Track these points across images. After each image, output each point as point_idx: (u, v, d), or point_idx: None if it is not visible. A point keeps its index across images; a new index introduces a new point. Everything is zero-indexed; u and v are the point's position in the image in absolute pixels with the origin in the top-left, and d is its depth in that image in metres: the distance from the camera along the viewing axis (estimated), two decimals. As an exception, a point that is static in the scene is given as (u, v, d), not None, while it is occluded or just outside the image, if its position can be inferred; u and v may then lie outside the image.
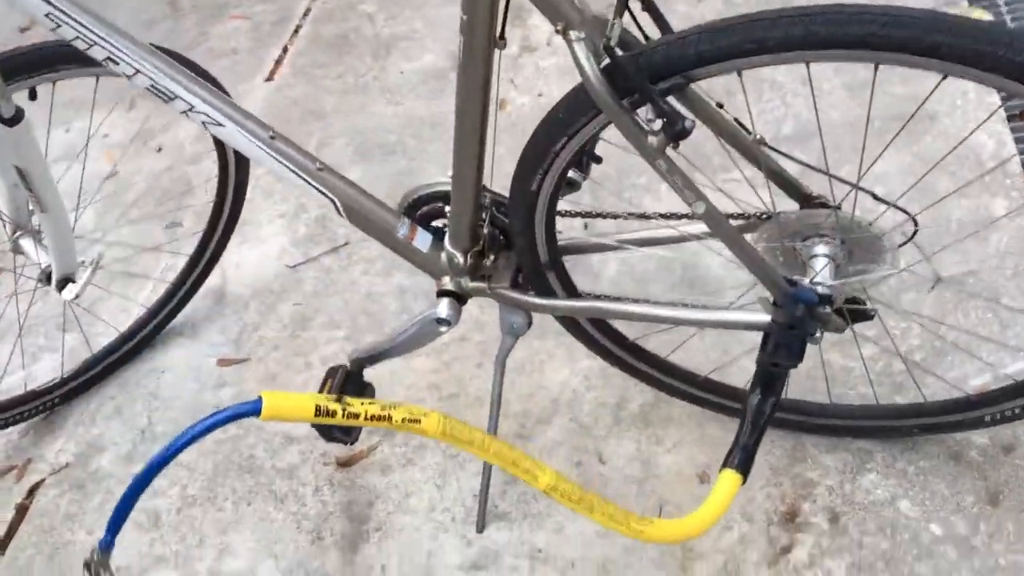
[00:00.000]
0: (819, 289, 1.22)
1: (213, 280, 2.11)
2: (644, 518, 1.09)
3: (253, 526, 1.66)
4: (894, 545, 1.41)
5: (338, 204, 1.39)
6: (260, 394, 0.89)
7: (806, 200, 1.27)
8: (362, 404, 0.96)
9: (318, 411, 0.94)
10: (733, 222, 1.29)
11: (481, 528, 1.57)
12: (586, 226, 2.01)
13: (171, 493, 1.74)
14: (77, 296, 1.65)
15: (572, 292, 1.44)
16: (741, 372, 1.64)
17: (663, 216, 1.35)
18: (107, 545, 0.85)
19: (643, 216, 1.36)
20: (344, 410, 0.95)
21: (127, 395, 1.95)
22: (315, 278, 2.11)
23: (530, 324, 1.46)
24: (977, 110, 2.06)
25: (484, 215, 1.39)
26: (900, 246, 1.29)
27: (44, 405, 1.91)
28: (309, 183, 1.38)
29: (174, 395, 1.92)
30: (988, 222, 1.82)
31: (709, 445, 1.60)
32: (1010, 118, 2.04)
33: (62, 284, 1.65)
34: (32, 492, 1.80)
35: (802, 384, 1.61)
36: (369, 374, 1.50)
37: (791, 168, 1.30)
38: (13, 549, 1.72)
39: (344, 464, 1.72)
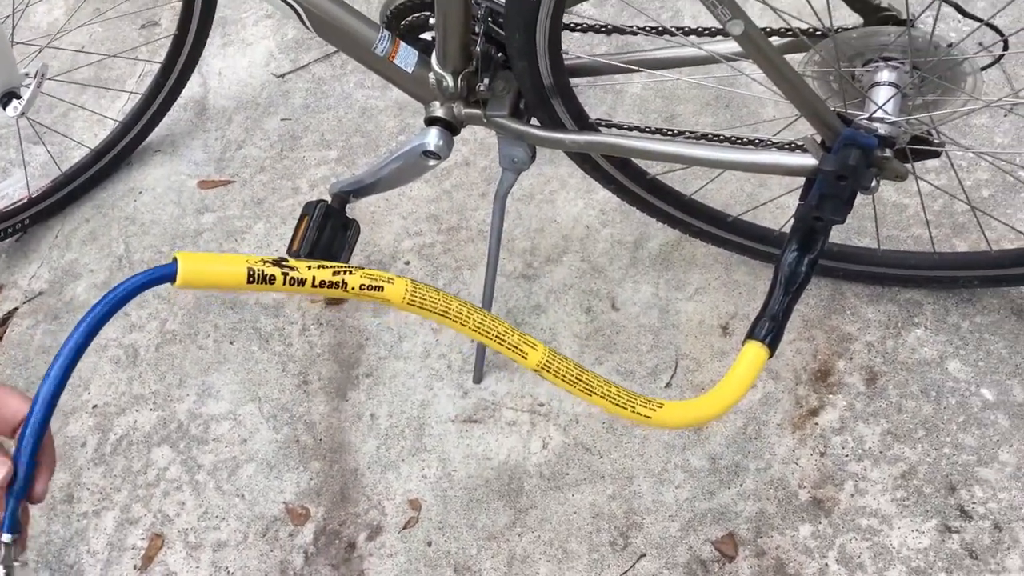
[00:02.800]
0: (880, 128, 1.00)
1: (192, 90, 1.90)
2: (652, 400, 0.93)
3: (236, 366, 1.54)
4: (937, 411, 1.26)
5: (302, 13, 1.16)
6: (175, 255, 0.71)
7: (872, 13, 1.02)
8: (308, 268, 0.78)
9: (251, 276, 0.76)
10: (777, 41, 1.04)
11: (479, 378, 1.44)
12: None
13: (150, 328, 1.62)
14: (23, 113, 1.46)
15: (582, 122, 1.23)
16: (781, 211, 1.44)
17: (689, 32, 1.11)
18: (10, 523, 0.66)
19: (665, 31, 1.12)
20: (285, 275, 0.77)
21: (102, 218, 1.80)
22: (305, 90, 1.89)
23: (534, 157, 1.26)
24: None
25: (478, 28, 1.15)
26: (983, 69, 1.05)
27: (14, 227, 1.76)
28: (266, -15, 1.14)
29: (152, 219, 1.76)
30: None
31: (736, 292, 1.43)
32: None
33: (5, 100, 1.45)
34: (5, 321, 1.69)
35: (847, 224, 1.41)
36: (361, 205, 1.33)
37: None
38: (-8, 382, 1.64)
39: (333, 303, 1.57)
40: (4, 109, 1.45)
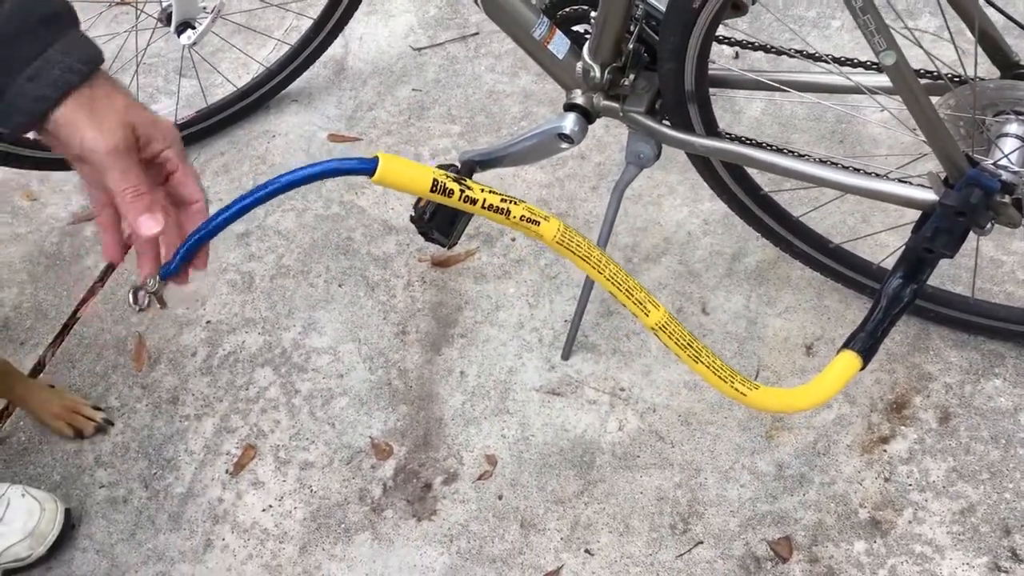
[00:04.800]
0: (1003, 174, 1.06)
1: (335, 50, 2.02)
2: (750, 380, 1.00)
3: (342, 308, 1.65)
4: (1005, 458, 1.31)
5: (475, -12, 1.26)
6: (376, 154, 0.80)
7: (1011, 69, 1.08)
8: (483, 190, 0.87)
9: (435, 186, 0.85)
10: (920, 80, 1.11)
11: (567, 355, 1.52)
12: (737, 55, 1.83)
13: (267, 260, 1.73)
14: (195, 43, 1.58)
15: (712, 129, 1.30)
16: (878, 247, 1.50)
17: (836, 60, 1.18)
18: (168, 272, 0.77)
19: (814, 57, 1.19)
20: (462, 192, 0.86)
21: (236, 153, 1.92)
22: (438, 65, 2.00)
23: (658, 156, 1.34)
24: None
25: (633, 27, 1.24)
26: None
27: (155, 150, 1.89)
28: (448, -41, 1.24)
29: (282, 162, 1.88)
30: None
31: (825, 317, 1.49)
32: None
33: (181, 28, 1.58)
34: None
35: (943, 270, 1.47)
36: (477, 179, 1.42)
37: (1001, 25, 1.10)
38: (112, 283, 1.76)
39: (439, 264, 1.67)
40: (179, 36, 1.58)
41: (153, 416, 1.56)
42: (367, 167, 0.80)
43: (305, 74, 1.97)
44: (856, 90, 1.16)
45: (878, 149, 1.65)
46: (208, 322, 1.67)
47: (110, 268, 1.79)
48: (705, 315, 1.54)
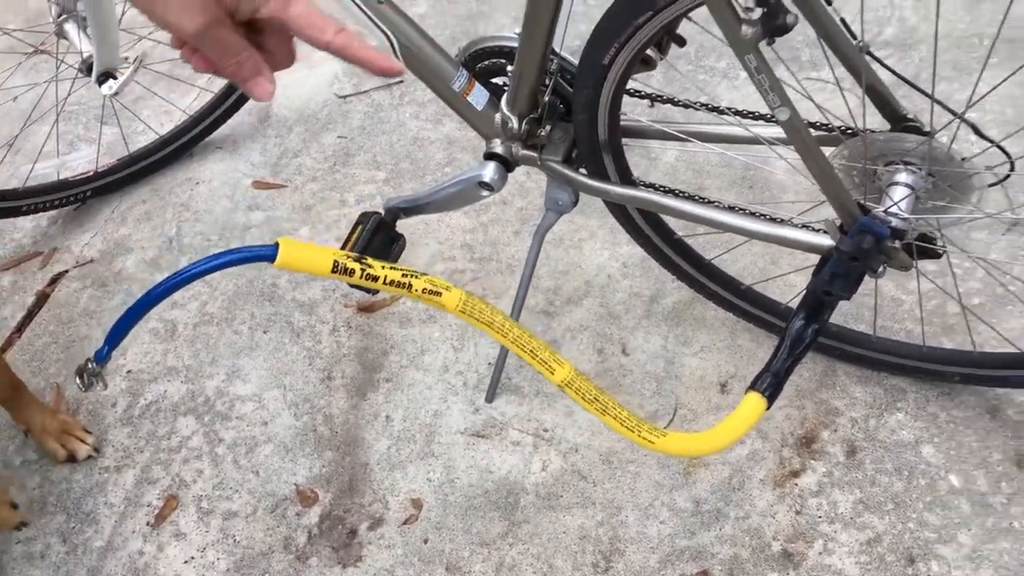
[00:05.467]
0: (893, 221, 1.13)
1: (259, 97, 2.03)
2: (657, 428, 1.05)
3: (267, 354, 1.65)
4: (908, 488, 1.37)
5: (396, 44, 1.29)
6: (277, 240, 0.83)
7: (899, 121, 1.16)
8: (383, 267, 0.90)
9: (335, 267, 0.88)
10: (814, 132, 1.18)
11: (491, 398, 1.54)
12: (652, 104, 1.90)
13: (190, 307, 1.73)
14: (116, 93, 1.59)
15: (626, 177, 1.36)
16: (788, 288, 1.57)
17: (737, 113, 1.25)
18: (103, 356, 0.82)
19: (716, 110, 1.26)
20: (363, 271, 0.89)
21: (159, 201, 1.92)
22: (364, 113, 2.03)
23: (575, 203, 1.38)
24: (1101, 45, 1.88)
25: (548, 81, 1.29)
26: (989, 186, 1.19)
27: (76, 196, 1.88)
28: (368, 15, 1.28)
29: (206, 209, 1.89)
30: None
31: (738, 355, 1.55)
32: None
33: (102, 78, 1.58)
34: (55, 281, 1.80)
35: (847, 309, 1.54)
36: (402, 225, 1.45)
37: (890, 82, 1.18)
38: (31, 333, 1.74)
39: (365, 309, 1.69)
40: (100, 86, 1.58)
41: (72, 469, 1.54)
42: (268, 253, 0.83)
43: (229, 121, 1.98)
44: (756, 141, 1.22)
45: (785, 194, 1.73)
46: (129, 372, 1.65)
47: (28, 318, 1.76)
48: (625, 356, 1.58)
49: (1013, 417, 1.41)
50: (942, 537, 1.31)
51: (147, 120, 2.04)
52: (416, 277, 0.93)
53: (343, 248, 1.46)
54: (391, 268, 0.92)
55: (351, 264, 0.89)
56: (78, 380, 0.81)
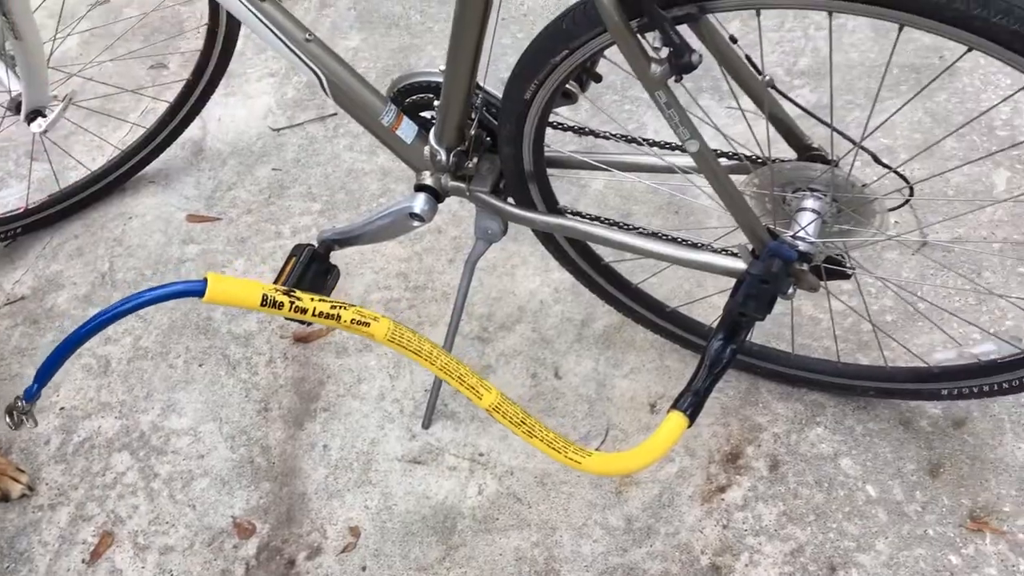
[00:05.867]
0: (800, 246, 1.19)
1: (193, 131, 2.05)
2: (583, 449, 1.09)
3: (202, 388, 1.65)
4: (828, 499, 1.43)
5: (324, 80, 1.33)
6: (205, 275, 0.86)
7: (804, 151, 1.22)
8: (311, 300, 0.93)
9: (264, 301, 0.91)
10: (725, 162, 1.24)
11: (427, 424, 1.57)
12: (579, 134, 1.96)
13: (124, 342, 1.73)
14: (45, 131, 1.59)
15: (552, 206, 1.40)
16: (711, 309, 1.63)
17: (655, 144, 1.30)
18: (32, 394, 0.84)
19: (633, 140, 1.31)
20: (292, 304, 0.92)
21: (91, 236, 1.91)
22: (298, 145, 2.05)
23: (505, 232, 1.43)
24: (999, 74, 1.99)
25: (474, 115, 1.33)
26: (891, 210, 1.26)
27: (6, 233, 1.87)
28: (296, 54, 1.31)
29: (139, 244, 1.89)
30: (987, 201, 1.78)
31: (666, 376, 1.60)
32: (1031, 86, 1.97)
33: (31, 116, 1.59)
34: (-15, 320, 1.79)
35: (768, 329, 1.60)
36: (337, 256, 1.47)
37: (796, 114, 1.25)
38: (-39, 375, 1.72)
39: (301, 340, 1.71)
40: (29, 124, 1.58)
41: (5, 508, 1.52)
42: (196, 289, 0.86)
43: (162, 155, 1.99)
44: (672, 170, 1.28)
45: (709, 219, 1.79)
46: (62, 408, 1.64)
47: (-43, 357, 1.74)
48: (558, 379, 1.62)
49: (925, 428, 1.48)
50: (861, 546, 1.37)
51: (78, 156, 2.04)
52: (345, 308, 0.96)
53: (277, 281, 1.48)
54: (320, 300, 0.94)
55: (280, 297, 0.92)
56: (8, 419, 0.83)
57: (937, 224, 1.73)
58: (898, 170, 1.18)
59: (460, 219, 1.87)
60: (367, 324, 0.96)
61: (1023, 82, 1.96)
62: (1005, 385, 1.32)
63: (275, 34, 1.29)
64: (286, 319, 1.40)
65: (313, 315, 0.94)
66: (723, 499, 1.45)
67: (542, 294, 1.74)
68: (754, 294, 1.18)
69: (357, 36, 2.28)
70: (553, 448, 1.07)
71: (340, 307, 0.95)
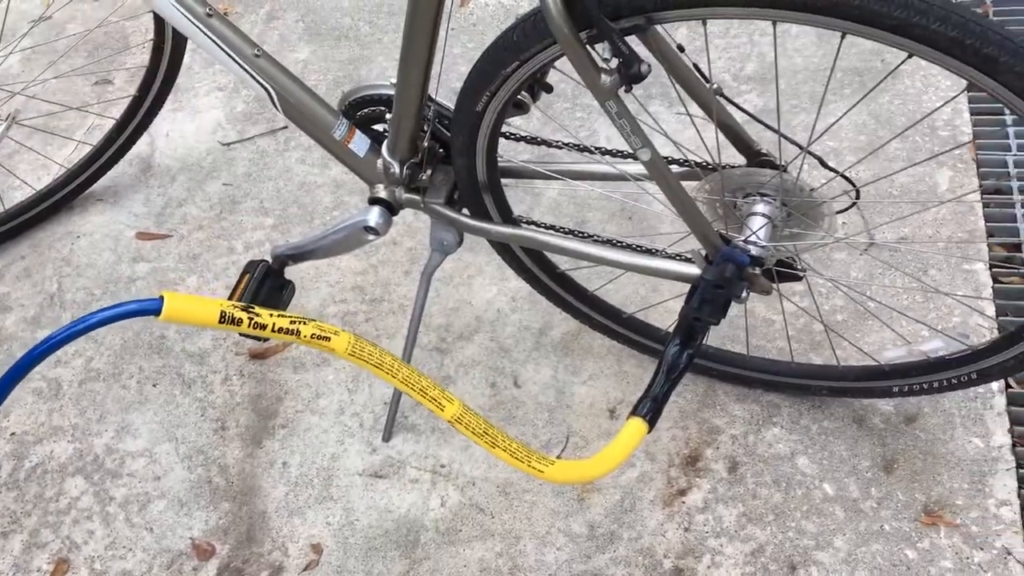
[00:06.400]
0: (752, 250, 1.21)
1: (141, 147, 2.02)
2: (545, 457, 1.09)
3: (157, 408, 1.63)
4: (786, 499, 1.45)
5: (274, 95, 1.32)
6: (161, 293, 0.85)
7: (753, 156, 1.24)
8: (270, 315, 0.93)
9: (223, 318, 0.90)
10: (676, 169, 1.26)
11: (388, 437, 1.57)
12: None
13: (75, 364, 1.70)
14: (-12, 151, 1.55)
15: (507, 216, 1.41)
16: (668, 314, 1.64)
17: (605, 152, 1.31)
18: None
19: (585, 149, 1.32)
20: (251, 320, 0.91)
21: (38, 257, 1.88)
22: (248, 159, 2.03)
23: (460, 243, 1.43)
24: (939, 76, 2.04)
25: (426, 126, 1.33)
26: (839, 212, 1.28)
27: (-51, 257, 1.83)
28: (244, 69, 1.30)
29: (88, 263, 1.86)
30: (932, 203, 1.82)
31: (625, 381, 1.61)
32: (969, 86, 2.02)
33: (-27, 136, 1.55)
34: (-71, 346, 1.74)
35: (723, 331, 1.62)
36: (292, 271, 1.46)
37: (744, 120, 1.27)
38: (-95, 403, 1.67)
39: (257, 356, 1.69)
40: (-30, 144, 1.55)
41: (-47, 539, 1.48)
42: (153, 307, 0.85)
43: (110, 173, 1.96)
44: (624, 178, 1.29)
45: (662, 225, 1.81)
46: (12, 434, 1.61)
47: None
48: (517, 388, 1.62)
49: (878, 425, 1.51)
50: (819, 544, 1.39)
51: (23, 175, 2.00)
52: (304, 323, 0.96)
53: (231, 298, 1.46)
54: (279, 316, 0.94)
55: (238, 314, 0.91)
56: None
57: (884, 225, 1.77)
58: (844, 174, 1.21)
59: (415, 230, 1.86)
60: (327, 338, 0.96)
61: (962, 84, 2.02)
62: (954, 381, 1.36)
63: (223, 49, 1.28)
64: (243, 336, 1.39)
65: (272, 331, 0.93)
66: (684, 502, 1.46)
67: (499, 303, 1.74)
68: (709, 299, 1.19)
69: (306, 48, 2.26)
70: (516, 458, 1.07)
71: (299, 322, 0.94)
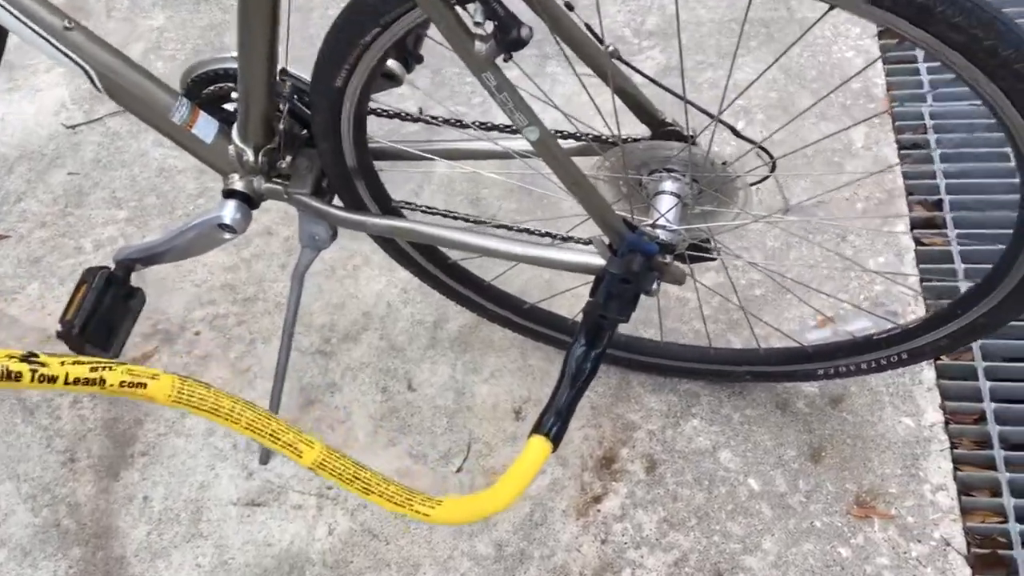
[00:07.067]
0: (661, 235, 1.06)
1: (-32, 135, 1.76)
2: (431, 498, 0.93)
3: (-4, 441, 1.41)
4: (709, 499, 1.32)
5: (93, 75, 1.10)
6: None
7: (658, 127, 1.09)
8: (61, 364, 0.73)
9: None
10: (572, 143, 1.10)
11: (266, 459, 1.38)
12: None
13: None
14: None
15: (385, 205, 1.23)
16: (576, 300, 1.49)
17: (490, 128, 1.14)
18: None
19: (464, 125, 1.15)
20: (34, 373, 0.72)
21: None
22: (98, 144, 1.79)
23: (335, 236, 1.25)
24: (848, 24, 1.91)
25: (282, 105, 1.14)
26: (753, 184, 1.14)
27: None
28: (53, 45, 1.08)
29: (-91, 273, 1.61)
30: (854, 174, 1.71)
31: (531, 377, 1.46)
32: (879, 34, 1.91)
33: None
34: None
35: (636, 314, 1.45)
36: (151, 270, 1.27)
37: (645, 85, 1.11)
38: None
39: (113, 373, 1.48)
40: None
41: None
42: None
43: (-68, 166, 1.70)
44: (509, 156, 1.12)
45: (565, 200, 1.65)
46: None
47: None
48: (412, 391, 1.46)
49: (803, 410, 1.40)
50: (747, 547, 1.27)
51: None
52: (110, 369, 0.76)
53: (65, 315, 1.25)
54: (74, 363, 0.74)
55: (15, 367, 0.71)
56: None
57: (796, 180, 1.65)
58: (761, 144, 1.07)
59: (292, 218, 1.66)
60: (143, 385, 0.77)
61: (874, 33, 1.90)
62: (883, 362, 1.25)
63: (23, 22, 1.06)
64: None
65: (67, 383, 0.74)
66: (599, 510, 1.32)
67: (389, 296, 1.57)
68: (615, 294, 1.04)
69: (161, 14, 2.01)
70: (395, 503, 0.91)
71: (104, 368, 0.75)
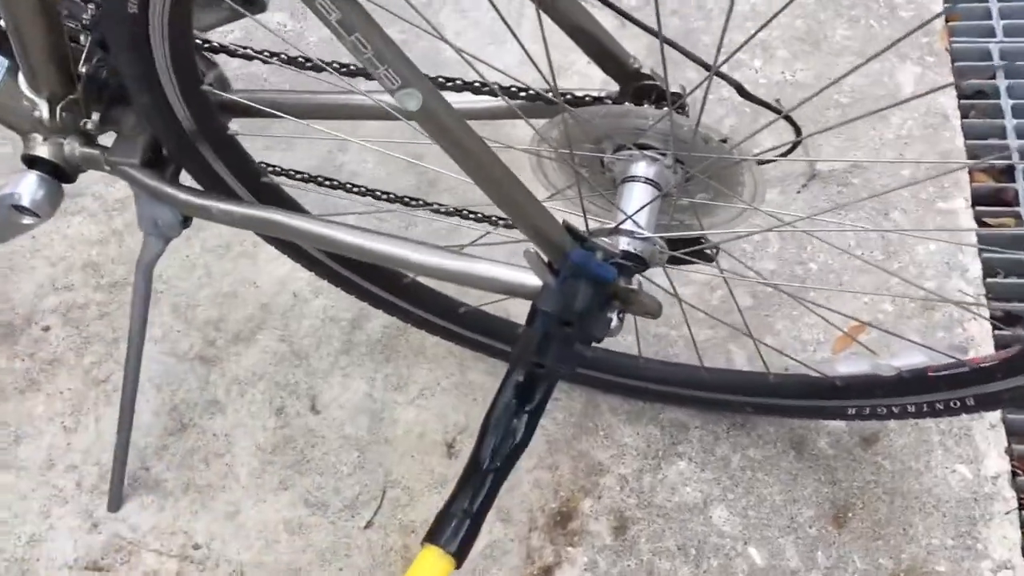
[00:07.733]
0: (627, 246, 0.70)
1: None
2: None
3: None
4: (696, 575, 1.00)
5: None
6: None
7: (631, 81, 0.72)
8: None
9: None
10: (484, 103, 0.73)
11: (117, 505, 1.06)
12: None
13: None
14: None
15: (250, 177, 0.88)
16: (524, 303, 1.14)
17: (349, 73, 0.77)
18: None
19: (319, 68, 0.77)
20: None
21: None
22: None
23: (186, 223, 0.90)
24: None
25: (83, 38, 0.79)
26: (763, 164, 0.78)
27: None
28: None
29: None
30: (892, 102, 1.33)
31: (470, 397, 1.12)
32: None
33: None
34: None
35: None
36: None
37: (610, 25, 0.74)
38: None
39: (-69, 382, 1.15)
40: None
41: None
42: None
43: None
44: (390, 117, 0.75)
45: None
46: None
47: None
48: (315, 414, 1.12)
49: (826, 451, 1.06)
50: (743, 648, 0.95)
51: None
52: None
53: None
54: None
55: None
56: None
57: (825, 137, 1.28)
58: (787, 112, 0.70)
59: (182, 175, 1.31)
60: None
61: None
62: (940, 406, 0.90)
63: None
64: None
65: None
66: (549, 587, 1.00)
67: (295, 284, 1.22)
68: (555, 336, 0.69)
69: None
70: None
71: None
